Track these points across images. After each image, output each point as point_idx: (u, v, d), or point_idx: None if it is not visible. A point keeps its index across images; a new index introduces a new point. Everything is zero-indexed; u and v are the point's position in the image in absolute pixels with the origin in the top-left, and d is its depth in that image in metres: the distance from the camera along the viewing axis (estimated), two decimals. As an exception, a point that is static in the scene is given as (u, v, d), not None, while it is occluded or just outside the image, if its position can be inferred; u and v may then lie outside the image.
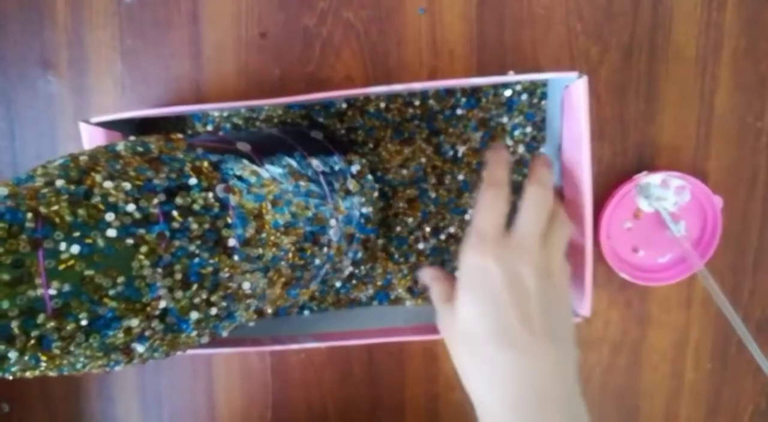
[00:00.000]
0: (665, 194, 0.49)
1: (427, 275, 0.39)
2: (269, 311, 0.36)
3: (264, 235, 0.33)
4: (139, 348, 0.29)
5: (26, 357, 0.26)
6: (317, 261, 0.37)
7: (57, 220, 0.27)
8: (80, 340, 0.27)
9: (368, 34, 0.48)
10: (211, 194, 0.31)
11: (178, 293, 0.29)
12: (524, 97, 0.47)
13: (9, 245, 0.25)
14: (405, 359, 0.53)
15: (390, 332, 0.45)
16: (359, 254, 0.42)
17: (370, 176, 0.42)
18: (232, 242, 0.31)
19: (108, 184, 0.28)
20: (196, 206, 0.30)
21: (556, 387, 0.32)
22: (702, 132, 0.50)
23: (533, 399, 0.31)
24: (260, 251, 0.32)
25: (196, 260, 0.30)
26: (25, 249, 0.26)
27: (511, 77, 0.42)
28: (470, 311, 0.33)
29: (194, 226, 0.30)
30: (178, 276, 0.29)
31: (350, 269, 0.42)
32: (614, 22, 0.48)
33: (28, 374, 0.28)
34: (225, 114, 0.48)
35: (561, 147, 0.44)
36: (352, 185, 0.40)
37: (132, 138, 0.34)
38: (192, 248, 0.30)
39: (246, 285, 0.32)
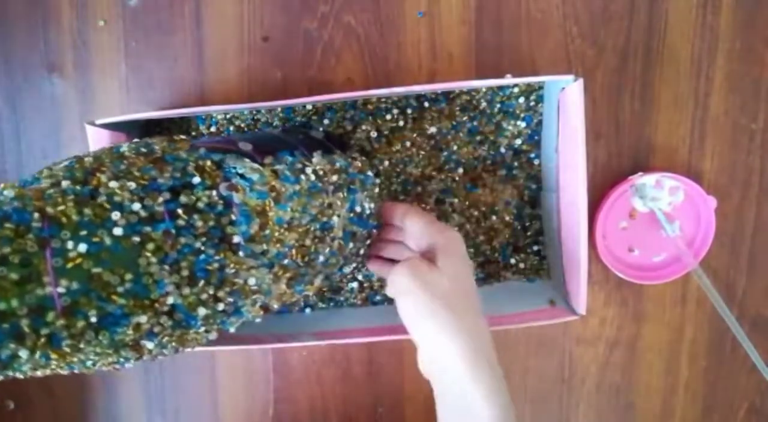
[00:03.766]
0: (660, 194, 0.50)
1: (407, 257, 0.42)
2: (275, 306, 0.36)
3: (268, 231, 0.33)
4: (149, 345, 0.30)
5: (37, 356, 0.27)
6: (321, 257, 0.37)
7: (64, 220, 0.27)
8: (90, 337, 0.27)
9: (369, 38, 0.49)
10: (214, 192, 0.32)
11: (186, 290, 0.30)
12: (521, 99, 0.48)
13: (17, 244, 0.26)
14: (404, 356, 0.54)
15: (390, 330, 0.46)
16: (362, 251, 0.42)
17: (370, 173, 0.43)
18: (236, 238, 0.31)
19: (113, 184, 0.29)
20: (200, 204, 0.31)
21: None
22: (696, 134, 0.50)
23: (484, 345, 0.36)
24: (264, 246, 0.33)
25: (202, 256, 0.30)
26: (33, 248, 0.26)
27: (508, 80, 0.42)
28: (454, 269, 0.38)
29: (199, 223, 0.30)
30: (185, 273, 0.30)
31: (353, 265, 0.43)
32: (610, 26, 0.49)
33: (39, 372, 0.29)
34: (228, 116, 0.49)
35: (557, 148, 0.45)
36: (353, 181, 0.41)
37: (136, 140, 0.35)
38: (198, 244, 0.30)
39: (252, 281, 0.32)
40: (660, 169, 0.50)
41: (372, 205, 0.41)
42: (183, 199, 0.31)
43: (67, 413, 0.55)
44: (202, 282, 0.30)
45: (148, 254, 0.29)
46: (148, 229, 0.29)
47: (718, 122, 0.50)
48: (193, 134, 0.49)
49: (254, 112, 0.49)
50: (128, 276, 0.28)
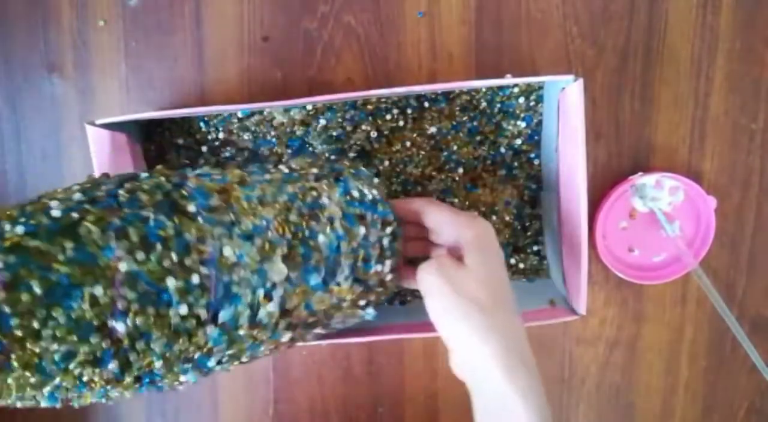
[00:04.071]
0: (660, 194, 0.50)
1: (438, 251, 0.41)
2: (294, 302, 0.33)
3: (235, 205, 0.32)
4: (119, 327, 0.27)
5: None
6: (321, 237, 0.35)
7: (3, 215, 0.27)
8: (41, 315, 0.25)
9: (369, 38, 0.49)
10: (163, 178, 0.31)
11: (140, 255, 0.28)
12: (521, 99, 0.48)
13: None
14: (404, 356, 0.54)
15: (390, 329, 0.46)
16: (386, 241, 0.39)
17: (363, 168, 0.42)
18: (191, 207, 0.30)
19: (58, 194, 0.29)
20: (144, 186, 0.30)
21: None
22: (696, 134, 0.51)
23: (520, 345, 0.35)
24: (232, 217, 0.31)
25: (152, 222, 0.28)
26: None
27: (508, 80, 0.42)
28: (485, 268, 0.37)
29: (144, 198, 0.29)
30: (135, 238, 0.28)
31: (388, 263, 0.39)
32: (610, 26, 0.49)
33: (19, 403, 0.27)
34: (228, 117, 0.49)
35: (557, 148, 0.45)
36: (341, 172, 0.40)
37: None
38: (144, 213, 0.29)
39: (227, 251, 0.30)
40: (660, 169, 0.50)
41: (375, 191, 0.40)
42: (127, 185, 0.30)
43: (67, 413, 0.55)
44: (158, 247, 0.28)
45: (88, 224, 0.27)
46: (87, 206, 0.28)
47: (718, 122, 0.50)
48: (198, 136, 0.49)
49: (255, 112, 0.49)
50: (68, 244, 0.26)
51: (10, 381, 0.26)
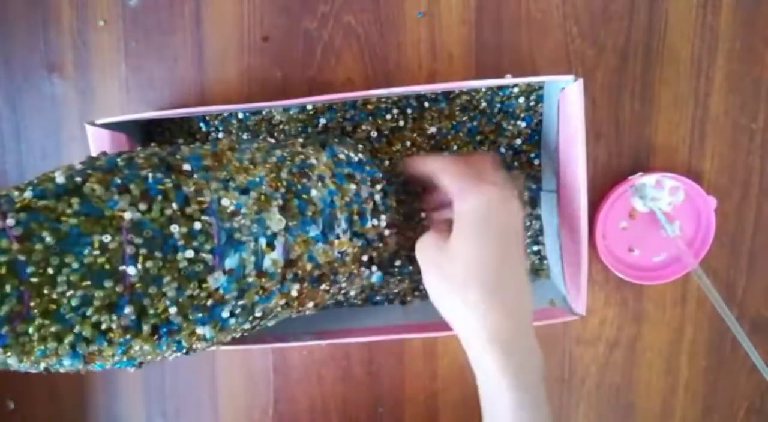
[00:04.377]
0: (660, 194, 0.50)
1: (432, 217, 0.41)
2: (298, 254, 0.35)
3: (228, 165, 0.34)
4: (131, 271, 0.29)
5: (6, 288, 0.26)
6: (314, 192, 0.36)
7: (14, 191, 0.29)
8: (55, 262, 0.27)
9: (368, 38, 0.49)
10: (157, 148, 0.34)
11: (142, 205, 0.30)
12: (521, 99, 0.48)
13: None
14: (405, 356, 0.54)
15: (390, 330, 0.46)
16: (378, 198, 0.40)
17: (347, 138, 0.43)
18: (186, 166, 0.32)
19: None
20: (141, 154, 0.33)
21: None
22: (696, 133, 0.51)
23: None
24: (225, 174, 0.33)
25: (151, 179, 0.31)
26: None
27: (508, 80, 0.42)
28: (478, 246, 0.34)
29: (141, 162, 0.32)
30: (136, 192, 0.30)
31: (383, 218, 0.40)
32: (610, 26, 0.49)
33: (43, 364, 0.28)
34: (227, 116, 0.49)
35: (557, 149, 0.45)
36: (325, 139, 0.42)
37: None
38: (143, 172, 0.31)
39: (225, 202, 0.32)
40: (660, 169, 0.50)
41: (361, 156, 0.41)
42: (123, 155, 0.32)
43: (67, 413, 0.55)
44: (159, 198, 0.30)
45: (91, 184, 0.29)
46: (90, 171, 0.30)
47: (718, 122, 0.50)
48: (198, 135, 0.49)
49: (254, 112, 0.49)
50: (75, 200, 0.29)
51: (31, 330, 0.27)
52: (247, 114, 0.49)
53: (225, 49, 0.49)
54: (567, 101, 0.41)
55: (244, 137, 0.38)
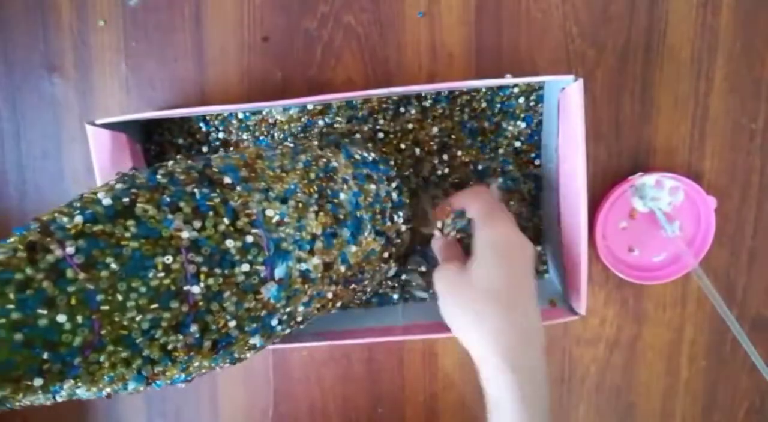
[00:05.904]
0: (660, 194, 0.50)
1: (438, 244, 0.43)
2: (333, 257, 0.36)
3: (263, 175, 0.34)
4: (194, 289, 0.29)
5: (78, 319, 0.26)
6: (342, 195, 0.38)
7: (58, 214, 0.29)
8: (123, 288, 0.27)
9: (368, 38, 0.49)
10: (190, 161, 0.34)
11: (196, 223, 0.30)
12: (521, 99, 0.48)
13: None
14: (405, 357, 0.54)
15: (390, 331, 0.46)
16: (394, 195, 0.42)
17: (354, 136, 0.44)
18: (227, 179, 0.33)
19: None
20: (178, 169, 0.33)
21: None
22: (696, 133, 0.50)
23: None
24: (263, 184, 0.34)
25: (198, 195, 0.31)
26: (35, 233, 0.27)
27: (508, 80, 0.42)
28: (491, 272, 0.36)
29: (182, 177, 0.32)
30: (187, 210, 0.30)
31: (400, 213, 0.42)
32: (610, 26, 0.49)
33: (107, 389, 0.28)
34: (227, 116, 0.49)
35: (557, 148, 0.45)
36: (338, 141, 0.43)
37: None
38: (188, 189, 0.31)
39: (270, 212, 0.33)
40: (660, 169, 0.50)
41: (373, 155, 0.43)
42: (161, 171, 0.33)
43: (67, 413, 0.55)
44: (211, 213, 0.30)
45: (141, 204, 0.29)
46: (135, 190, 0.30)
47: (718, 122, 0.50)
48: (198, 135, 0.49)
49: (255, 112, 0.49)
50: (130, 222, 0.29)
51: (102, 358, 0.27)
52: (247, 114, 0.49)
53: (225, 49, 0.49)
54: (567, 101, 0.41)
55: (262, 145, 0.39)
